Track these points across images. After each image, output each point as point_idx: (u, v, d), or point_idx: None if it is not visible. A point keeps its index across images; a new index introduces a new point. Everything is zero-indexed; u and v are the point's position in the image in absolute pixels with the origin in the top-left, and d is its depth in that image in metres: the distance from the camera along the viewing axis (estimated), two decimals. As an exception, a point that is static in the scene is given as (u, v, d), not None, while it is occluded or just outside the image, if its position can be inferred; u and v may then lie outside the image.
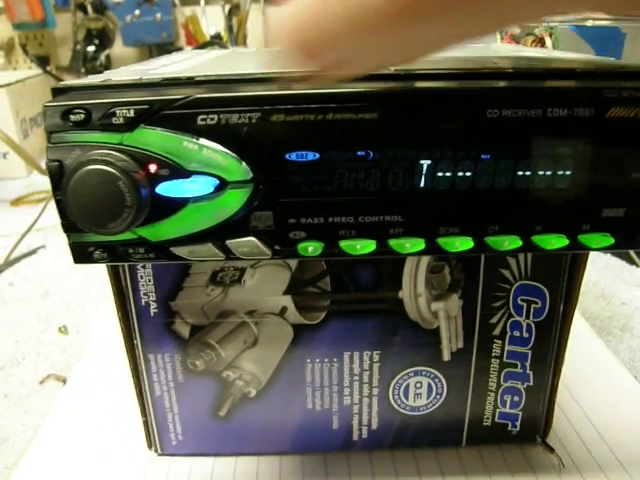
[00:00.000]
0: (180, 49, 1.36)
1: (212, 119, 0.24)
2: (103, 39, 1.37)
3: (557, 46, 0.78)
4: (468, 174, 0.25)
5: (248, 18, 1.26)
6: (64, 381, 0.48)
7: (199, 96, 0.24)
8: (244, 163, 0.24)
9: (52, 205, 0.26)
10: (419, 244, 0.26)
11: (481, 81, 0.24)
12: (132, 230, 0.25)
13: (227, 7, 1.26)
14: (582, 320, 0.55)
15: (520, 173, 0.25)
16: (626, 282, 0.64)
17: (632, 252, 0.64)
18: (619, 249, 0.27)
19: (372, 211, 0.25)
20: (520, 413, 0.38)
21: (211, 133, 0.24)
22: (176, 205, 0.25)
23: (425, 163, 0.25)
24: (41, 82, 1.22)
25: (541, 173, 0.25)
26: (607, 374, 0.47)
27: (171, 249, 0.26)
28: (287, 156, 0.24)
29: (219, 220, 0.25)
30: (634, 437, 0.40)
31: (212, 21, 1.27)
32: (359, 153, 0.24)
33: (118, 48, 1.39)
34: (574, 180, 0.25)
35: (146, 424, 0.37)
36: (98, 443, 0.40)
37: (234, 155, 0.24)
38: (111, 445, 0.39)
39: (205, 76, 0.26)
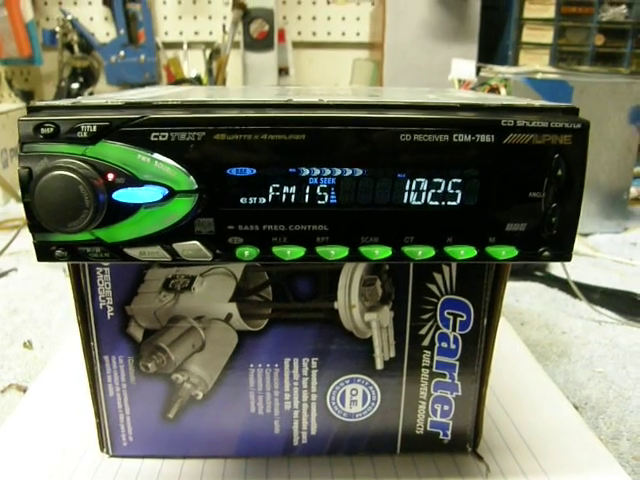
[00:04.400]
0: (162, 89, 1.41)
1: (163, 136, 0.28)
2: (88, 77, 1.43)
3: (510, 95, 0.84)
4: (386, 191, 0.29)
5: (228, 62, 1.32)
6: (24, 390, 0.50)
7: (152, 116, 0.28)
8: (190, 175, 0.28)
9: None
10: (343, 252, 0.29)
11: (395, 111, 0.29)
12: (90, 231, 0.29)
13: (208, 51, 1.32)
14: (523, 347, 0.58)
15: (433, 191, 0.29)
16: (569, 314, 0.68)
17: (574, 286, 0.68)
18: (523, 260, 0.31)
19: (301, 221, 0.29)
20: (450, 422, 0.41)
21: (162, 148, 0.28)
22: (130, 210, 0.28)
23: (348, 180, 0.29)
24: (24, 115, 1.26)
25: (451, 191, 0.29)
26: (540, 393, 0.50)
27: (124, 250, 0.29)
28: (228, 171, 0.28)
29: (167, 225, 0.29)
30: (558, 447, 0.43)
31: (193, 64, 1.33)
32: (290, 170, 0.28)
33: (102, 86, 1.45)
34: (480, 197, 0.29)
35: (99, 425, 0.40)
36: (52, 445, 0.42)
37: (182, 168, 0.28)
38: (65, 447, 0.41)
39: (162, 101, 0.30)
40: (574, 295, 0.71)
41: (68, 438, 0.42)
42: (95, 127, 0.28)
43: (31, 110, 0.29)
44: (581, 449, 0.43)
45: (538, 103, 0.31)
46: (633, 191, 1.04)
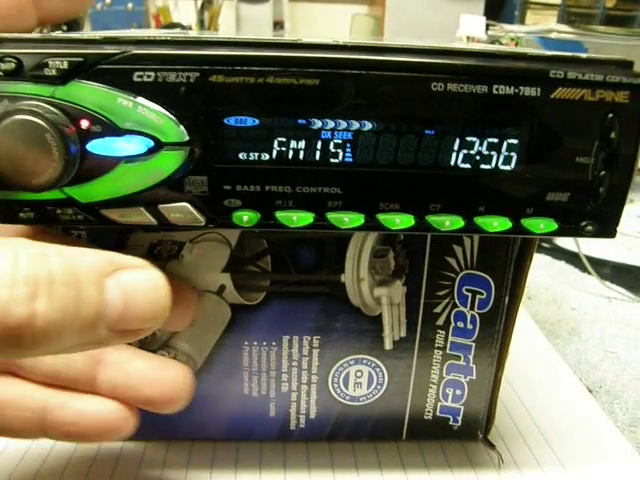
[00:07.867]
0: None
1: (149, 76, 0.23)
2: (72, 25, 1.33)
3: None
4: (411, 149, 0.25)
5: (220, 13, 1.25)
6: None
7: (136, 52, 0.23)
8: (181, 125, 0.23)
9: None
10: (358, 219, 0.25)
11: (427, 56, 0.24)
12: (60, 189, 0.24)
13: (200, 1, 1.25)
14: (532, 322, 0.55)
15: (465, 151, 0.25)
16: (577, 289, 0.65)
17: (585, 261, 0.64)
18: (563, 235, 0.27)
19: (311, 182, 0.25)
20: (462, 407, 0.37)
21: (147, 91, 0.23)
22: (107, 164, 0.24)
23: (366, 135, 0.24)
24: None
25: (485, 152, 0.25)
26: (553, 375, 0.47)
27: (101, 211, 0.25)
28: (225, 120, 0.24)
29: (152, 183, 0.24)
30: (573, 435, 0.40)
31: (184, 14, 1.26)
32: (300, 121, 0.24)
33: (87, 36, 1.37)
34: (518, 161, 0.25)
35: (76, 405, 0.36)
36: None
37: (170, 115, 0.23)
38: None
39: (148, 36, 0.25)
40: (582, 269, 0.68)
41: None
42: (66, 63, 0.23)
43: (-12, 42, 0.24)
44: (598, 437, 0.40)
45: (585, 55, 0.27)
46: (640, 161, 1.00)
